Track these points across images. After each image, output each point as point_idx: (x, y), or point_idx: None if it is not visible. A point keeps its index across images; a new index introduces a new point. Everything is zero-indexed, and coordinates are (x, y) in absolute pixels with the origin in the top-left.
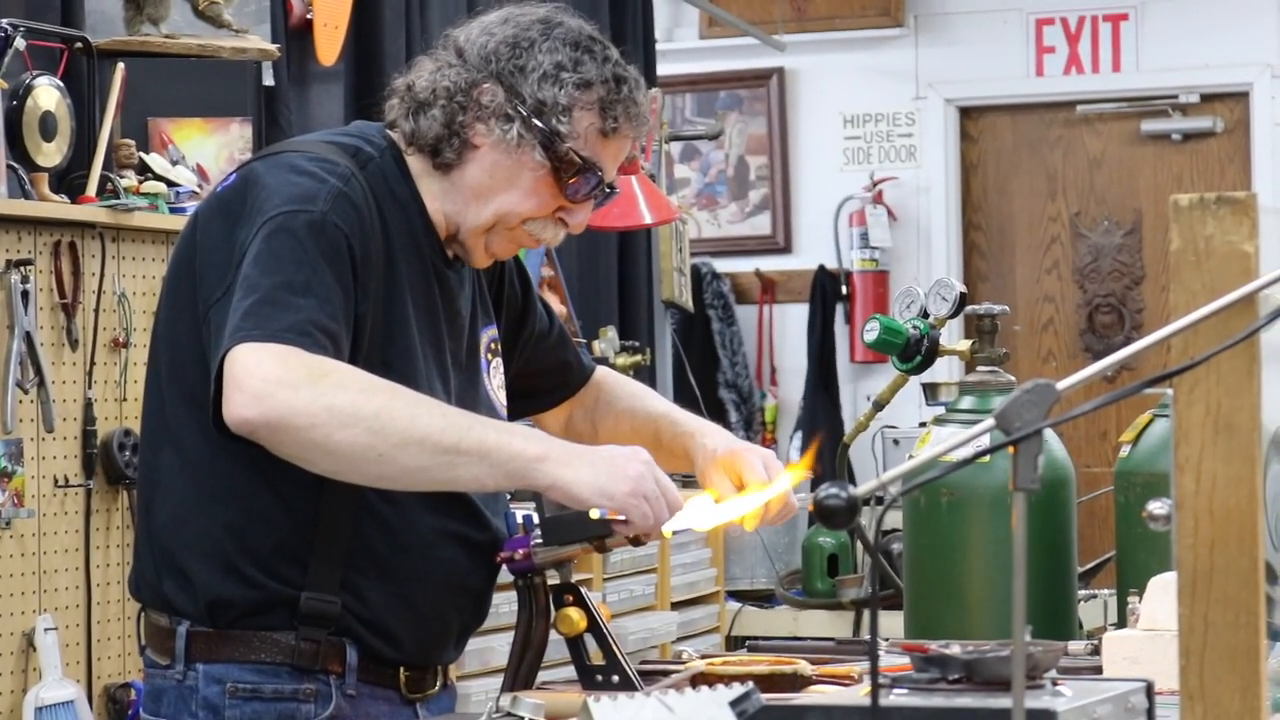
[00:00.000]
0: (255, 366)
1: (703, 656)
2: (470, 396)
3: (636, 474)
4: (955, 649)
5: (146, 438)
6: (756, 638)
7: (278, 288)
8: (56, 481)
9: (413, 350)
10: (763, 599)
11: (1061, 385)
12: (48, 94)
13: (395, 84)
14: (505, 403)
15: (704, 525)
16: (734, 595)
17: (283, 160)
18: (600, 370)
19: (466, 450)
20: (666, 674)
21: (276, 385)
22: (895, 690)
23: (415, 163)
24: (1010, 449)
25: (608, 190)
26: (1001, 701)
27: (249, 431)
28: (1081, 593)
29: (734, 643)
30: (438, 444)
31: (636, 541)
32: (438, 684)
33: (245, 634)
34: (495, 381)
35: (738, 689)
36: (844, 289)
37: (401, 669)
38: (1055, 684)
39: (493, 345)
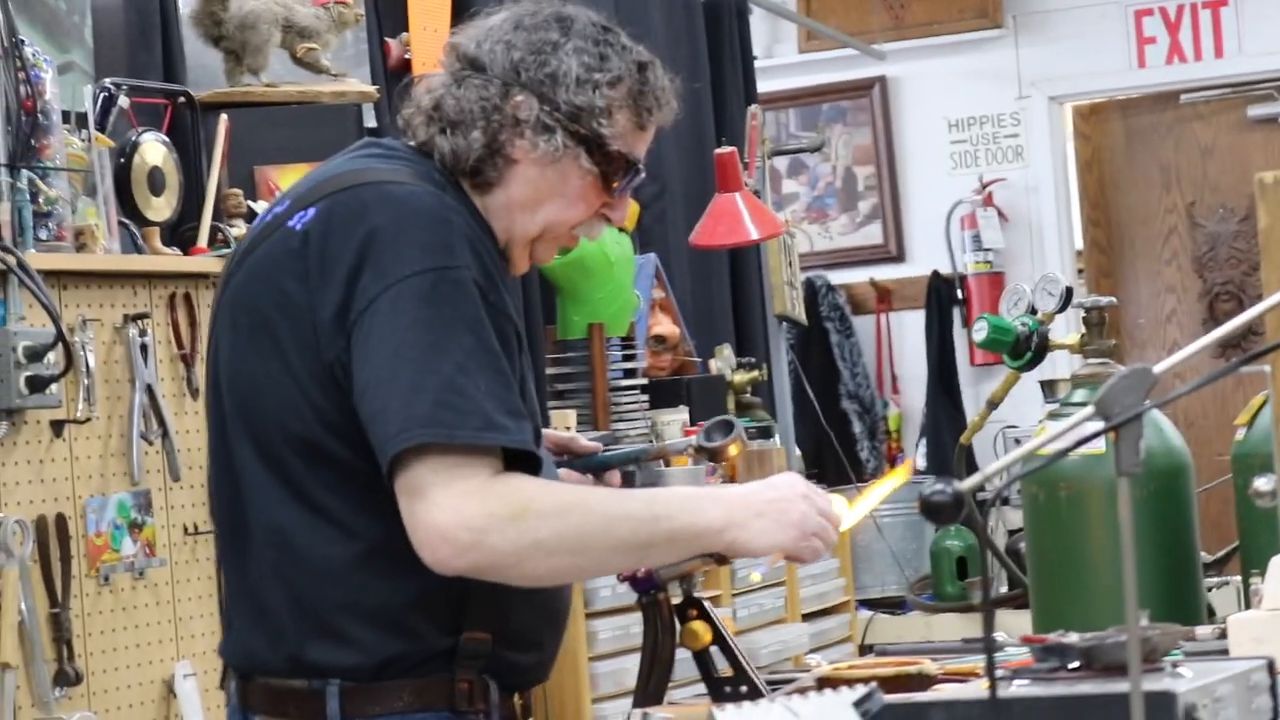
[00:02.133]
0: (458, 512)
1: (831, 664)
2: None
3: (800, 517)
4: (1073, 638)
5: (247, 495)
6: (889, 644)
7: (455, 372)
8: (186, 530)
9: (523, 379)
10: (894, 606)
11: (1159, 368)
12: (154, 149)
13: (419, 102)
14: None
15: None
16: (864, 604)
17: (401, 200)
18: None
19: (657, 544)
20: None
21: (482, 533)
22: (1016, 682)
23: (464, 181)
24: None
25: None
26: (1120, 686)
27: (453, 573)
28: (1213, 579)
29: (867, 651)
30: (631, 546)
31: None
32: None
33: (398, 683)
34: None
35: (861, 690)
36: (959, 293)
37: (515, 697)
38: (1176, 666)
39: None
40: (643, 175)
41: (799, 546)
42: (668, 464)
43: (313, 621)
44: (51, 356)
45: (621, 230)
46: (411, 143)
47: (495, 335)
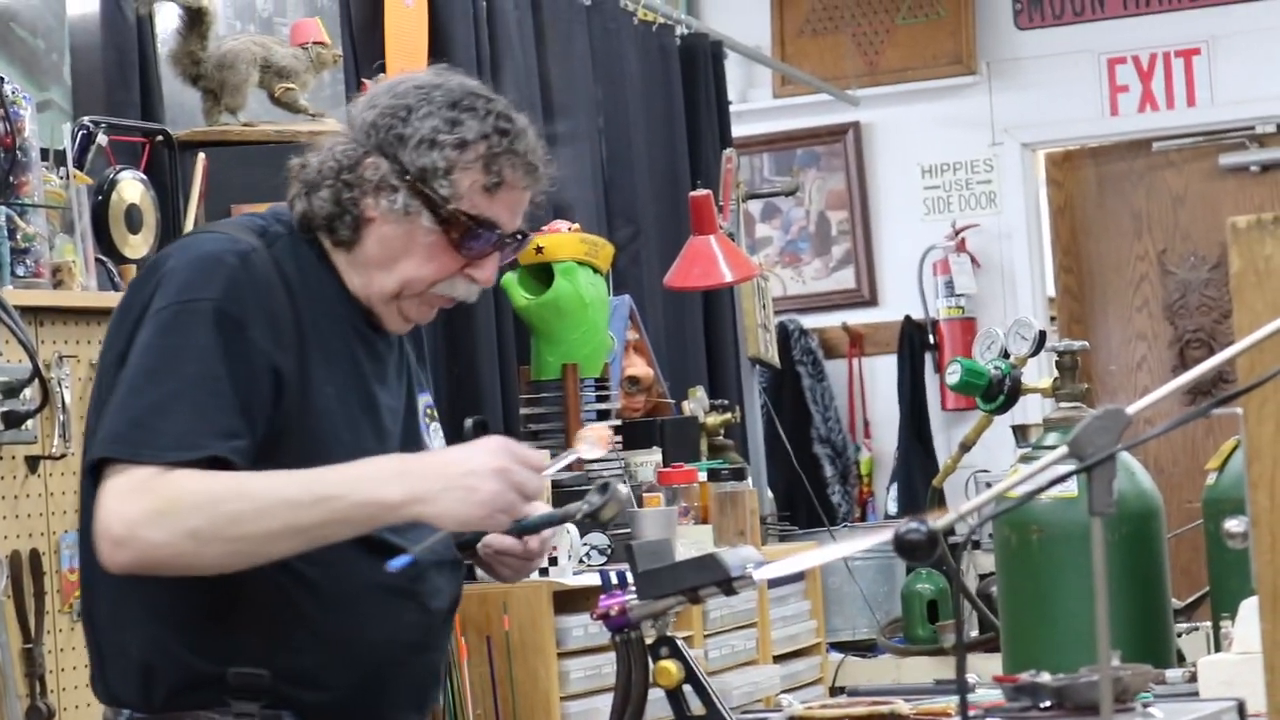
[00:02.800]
0: (113, 512)
1: (804, 704)
2: (412, 453)
3: (490, 495)
4: (1045, 678)
5: (80, 540)
6: (861, 686)
7: (167, 397)
8: None
9: (331, 413)
10: (865, 649)
11: (1132, 410)
12: (131, 187)
13: (291, 164)
14: None
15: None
16: (836, 646)
17: (189, 245)
18: None
19: (328, 522)
20: None
21: (135, 527)
22: None
23: (324, 238)
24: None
25: (513, 239)
26: None
27: (127, 572)
28: (1183, 625)
29: (838, 693)
30: (296, 529)
31: (729, 591)
32: None
33: (182, 715)
34: (436, 443)
35: None
36: (932, 338)
37: None
38: (1146, 707)
39: (429, 410)
40: (515, 235)
41: (485, 524)
42: (639, 502)
43: (108, 652)
44: (28, 392)
45: (595, 271)
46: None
47: (236, 363)
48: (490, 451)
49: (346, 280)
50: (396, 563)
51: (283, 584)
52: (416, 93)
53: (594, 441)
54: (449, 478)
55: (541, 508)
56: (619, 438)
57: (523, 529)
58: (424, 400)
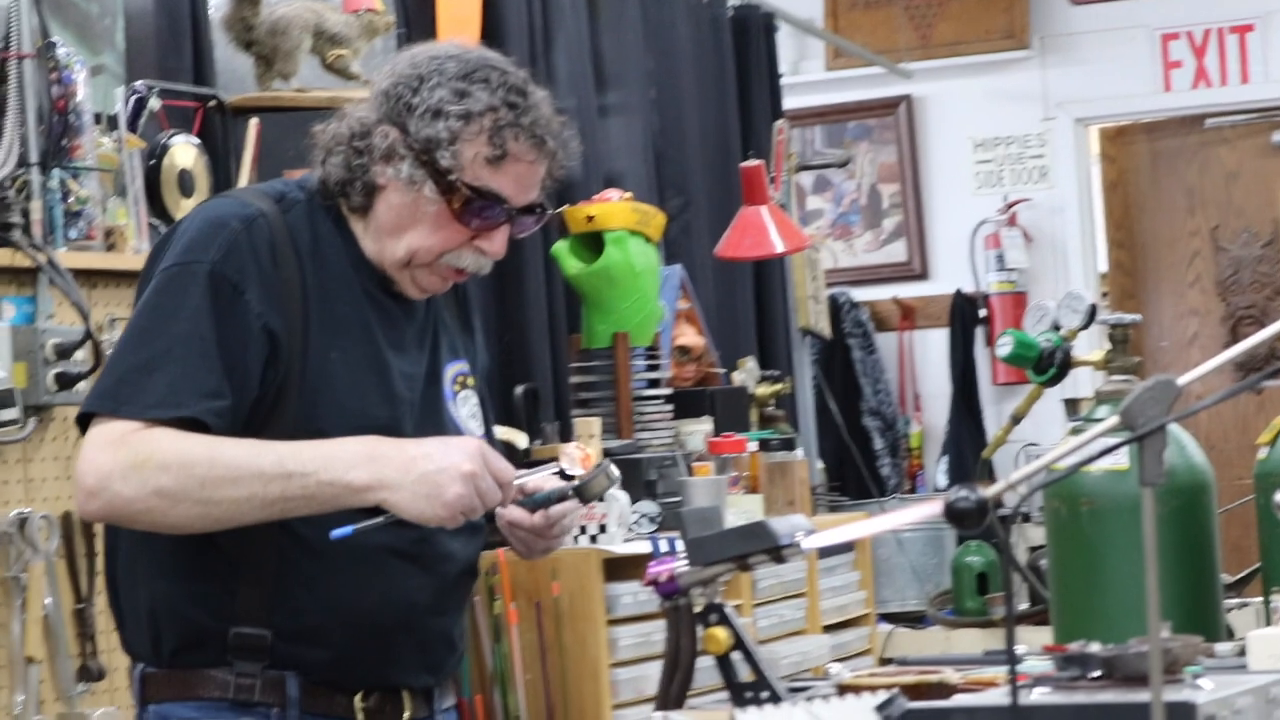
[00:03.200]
0: (90, 461)
1: (853, 673)
2: (431, 421)
3: (454, 499)
4: (1095, 647)
5: None
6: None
7: (155, 356)
8: None
9: (334, 376)
10: (914, 620)
11: (1182, 380)
12: (184, 152)
13: (314, 129)
14: (478, 433)
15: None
16: (885, 618)
17: (201, 209)
18: None
19: (293, 497)
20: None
21: (106, 480)
22: (1037, 689)
23: (342, 205)
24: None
25: (522, 213)
26: (1141, 696)
27: (92, 519)
28: (1233, 601)
29: (886, 664)
30: (264, 499)
31: (779, 559)
32: (406, 714)
33: (188, 673)
34: (464, 411)
35: (883, 695)
36: (982, 312)
37: (357, 698)
38: (1196, 678)
39: (459, 378)
40: (530, 209)
41: (443, 523)
42: (689, 471)
43: (125, 607)
44: (80, 354)
45: (647, 240)
46: None
47: (226, 325)
48: (465, 454)
49: (363, 246)
50: (337, 532)
51: (283, 545)
52: (431, 63)
53: (575, 459)
54: (418, 472)
55: (552, 483)
56: (670, 406)
57: (534, 503)
58: (455, 368)
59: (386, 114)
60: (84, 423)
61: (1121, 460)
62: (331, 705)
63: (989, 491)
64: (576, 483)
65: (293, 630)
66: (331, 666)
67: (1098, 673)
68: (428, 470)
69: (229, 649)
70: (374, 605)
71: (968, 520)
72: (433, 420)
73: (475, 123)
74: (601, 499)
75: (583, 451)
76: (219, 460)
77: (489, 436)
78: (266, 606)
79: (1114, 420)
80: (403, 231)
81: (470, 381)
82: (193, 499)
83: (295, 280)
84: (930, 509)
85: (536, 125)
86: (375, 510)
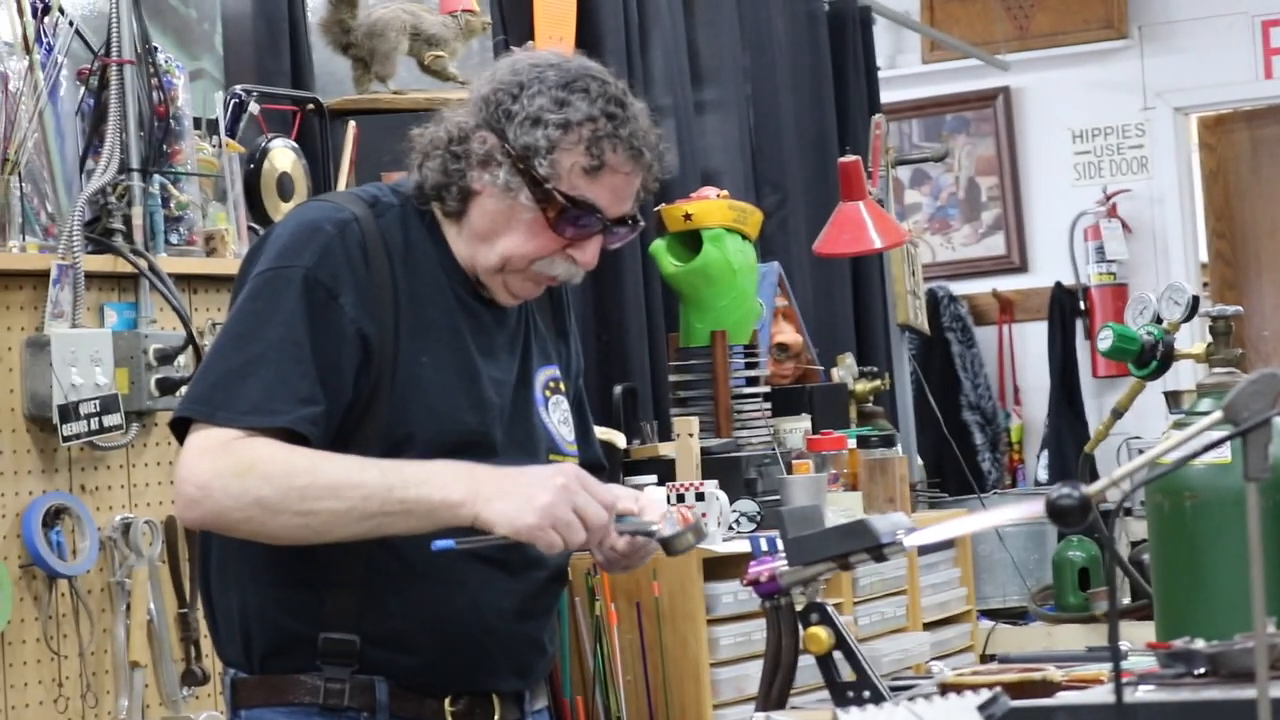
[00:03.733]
0: (192, 469)
1: (954, 671)
2: (521, 427)
3: (546, 504)
4: (1199, 644)
5: None
6: (1013, 653)
7: (250, 361)
8: None
9: (425, 381)
10: (1016, 616)
11: None
12: (283, 155)
13: (412, 132)
14: (570, 438)
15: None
16: (986, 614)
17: (295, 213)
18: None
19: (391, 512)
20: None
21: (207, 489)
22: (1142, 687)
23: (435, 210)
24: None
25: (616, 224)
26: (1247, 693)
27: (193, 526)
28: None
29: (988, 662)
30: (363, 513)
31: (880, 557)
32: (497, 717)
33: (279, 678)
34: (556, 417)
35: (985, 694)
36: (1082, 304)
37: (446, 702)
38: None
39: (551, 383)
40: (624, 220)
41: (534, 533)
42: (788, 469)
43: (218, 613)
44: (182, 359)
45: (744, 238)
46: None
47: (321, 330)
48: (561, 472)
49: (455, 251)
50: (439, 544)
51: (372, 551)
52: (532, 70)
53: (675, 520)
54: (513, 485)
55: (653, 512)
56: (768, 404)
57: (621, 528)
58: (546, 374)
59: (485, 120)
60: (178, 427)
61: (1224, 454)
62: (421, 709)
63: (1091, 489)
64: (665, 534)
65: (381, 636)
66: (420, 672)
67: (1202, 670)
68: (522, 484)
69: (319, 654)
70: (462, 611)
71: (1070, 518)
72: (523, 426)
73: (574, 132)
74: (683, 552)
75: (681, 515)
76: (321, 473)
77: (585, 440)
78: (355, 612)
79: (1218, 415)
80: (496, 237)
81: (562, 386)
82: (293, 510)
83: (387, 284)
84: (1033, 507)
85: (634, 137)
86: (473, 531)
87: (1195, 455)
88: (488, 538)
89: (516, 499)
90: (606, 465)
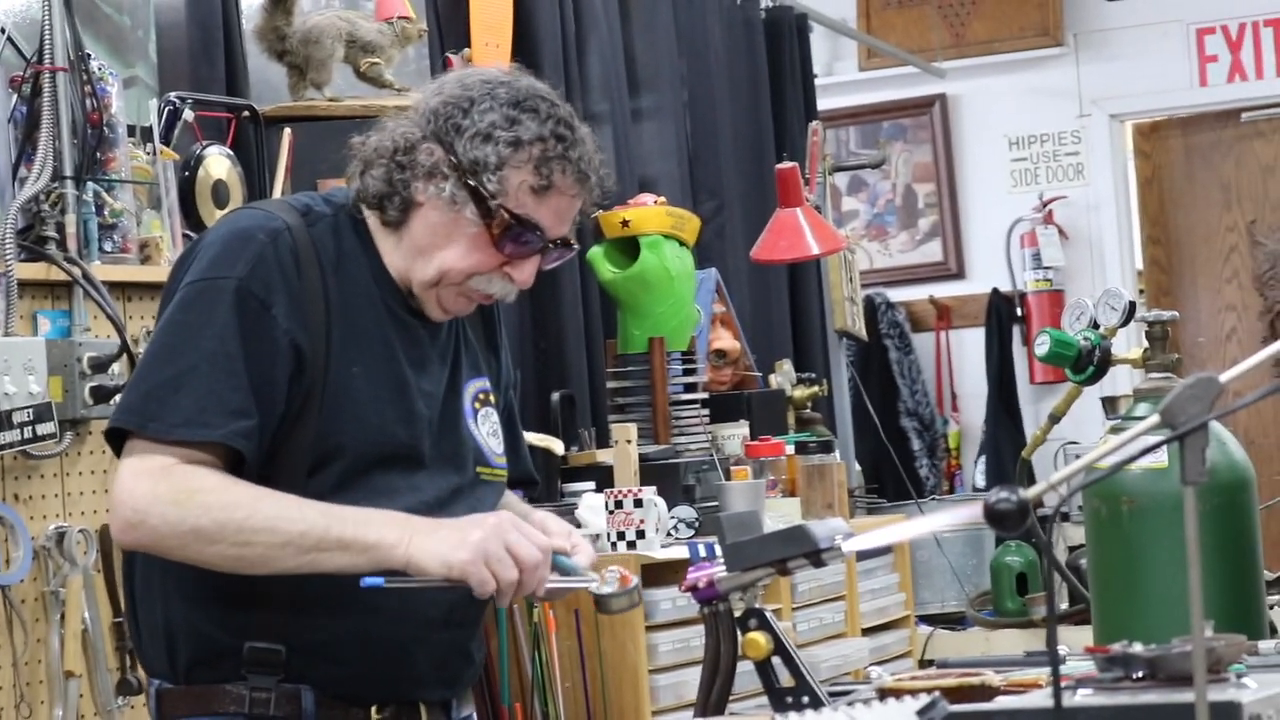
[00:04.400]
0: (129, 491)
1: (893, 676)
2: (449, 439)
3: (477, 540)
4: (1138, 648)
5: None
6: (951, 658)
7: (182, 373)
8: None
9: (356, 392)
10: (954, 621)
11: (1225, 377)
12: (218, 163)
13: (353, 140)
14: (499, 451)
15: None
16: (924, 619)
17: (227, 221)
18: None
19: (327, 548)
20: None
21: (144, 514)
22: (1080, 690)
23: (371, 220)
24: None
25: (555, 245)
26: (1185, 696)
27: (128, 548)
28: (1275, 598)
29: (927, 666)
30: (300, 547)
31: (818, 563)
32: None
33: (205, 688)
34: (485, 429)
35: (924, 699)
36: (1019, 311)
37: (373, 710)
38: (1240, 677)
39: (480, 395)
40: (558, 242)
41: (466, 569)
42: (727, 475)
43: (141, 622)
44: (116, 368)
45: (682, 244)
46: None
47: (253, 342)
48: (496, 515)
49: (388, 263)
50: (367, 581)
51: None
52: (483, 86)
53: (616, 581)
54: (447, 527)
55: (584, 552)
56: (706, 411)
57: (557, 582)
58: (475, 385)
59: (433, 132)
60: (112, 438)
61: (1161, 459)
62: (347, 718)
63: (1030, 493)
64: (603, 592)
65: (307, 645)
66: (346, 681)
67: (1141, 673)
68: (456, 525)
69: (244, 663)
70: (387, 621)
71: (1009, 522)
72: (451, 438)
73: (524, 150)
74: (617, 613)
75: (622, 574)
76: (260, 508)
77: (515, 455)
78: (281, 622)
79: (1155, 419)
80: (436, 250)
81: (493, 399)
82: (229, 541)
83: (319, 294)
84: (971, 511)
85: (582, 160)
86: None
87: (1133, 459)
88: (418, 578)
89: (449, 537)
90: (539, 480)
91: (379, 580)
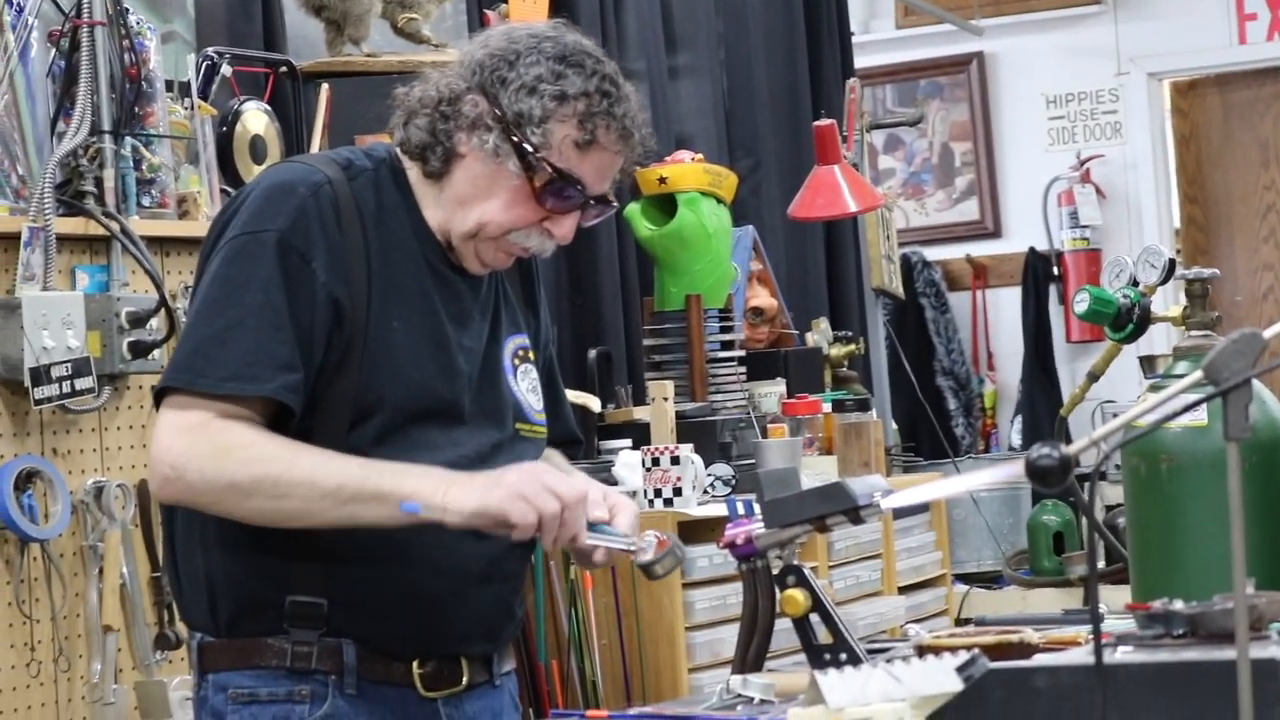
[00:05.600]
0: (167, 447)
1: (931, 633)
2: (490, 396)
3: (513, 480)
4: (1178, 605)
5: None
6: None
7: (229, 327)
8: None
9: (396, 347)
10: (990, 580)
11: (1268, 333)
12: (256, 118)
13: (397, 91)
14: (538, 407)
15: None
16: (960, 578)
17: (268, 175)
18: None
19: (364, 499)
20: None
21: (181, 469)
22: (1120, 648)
23: (413, 172)
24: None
25: (596, 202)
26: (1226, 653)
27: (165, 502)
28: None
29: (963, 625)
30: (336, 499)
31: (857, 520)
32: (465, 680)
33: (245, 641)
34: (524, 386)
35: (964, 655)
36: (1056, 270)
37: (415, 664)
38: None
39: (520, 352)
40: (597, 199)
41: (504, 504)
42: (764, 434)
43: (183, 576)
44: (154, 322)
45: (719, 202)
46: None
47: (296, 294)
48: (528, 464)
49: (429, 216)
50: (407, 505)
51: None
52: (529, 40)
53: (653, 548)
54: (481, 477)
55: (624, 515)
56: (743, 368)
57: (598, 533)
58: (515, 342)
59: (478, 84)
60: (160, 398)
61: (1201, 417)
62: (389, 672)
63: (1071, 449)
64: (645, 560)
65: (348, 599)
66: (388, 635)
67: (1181, 631)
68: (491, 473)
69: (286, 617)
70: (429, 575)
71: (1050, 478)
72: (491, 395)
73: (569, 105)
74: (664, 577)
75: (657, 538)
76: (296, 462)
77: (557, 414)
78: (323, 576)
79: (1197, 375)
80: (476, 202)
81: (531, 355)
82: (265, 495)
83: (359, 248)
84: (1012, 468)
85: (626, 118)
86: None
87: (1175, 415)
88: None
89: (480, 482)
90: (581, 438)
91: (415, 505)
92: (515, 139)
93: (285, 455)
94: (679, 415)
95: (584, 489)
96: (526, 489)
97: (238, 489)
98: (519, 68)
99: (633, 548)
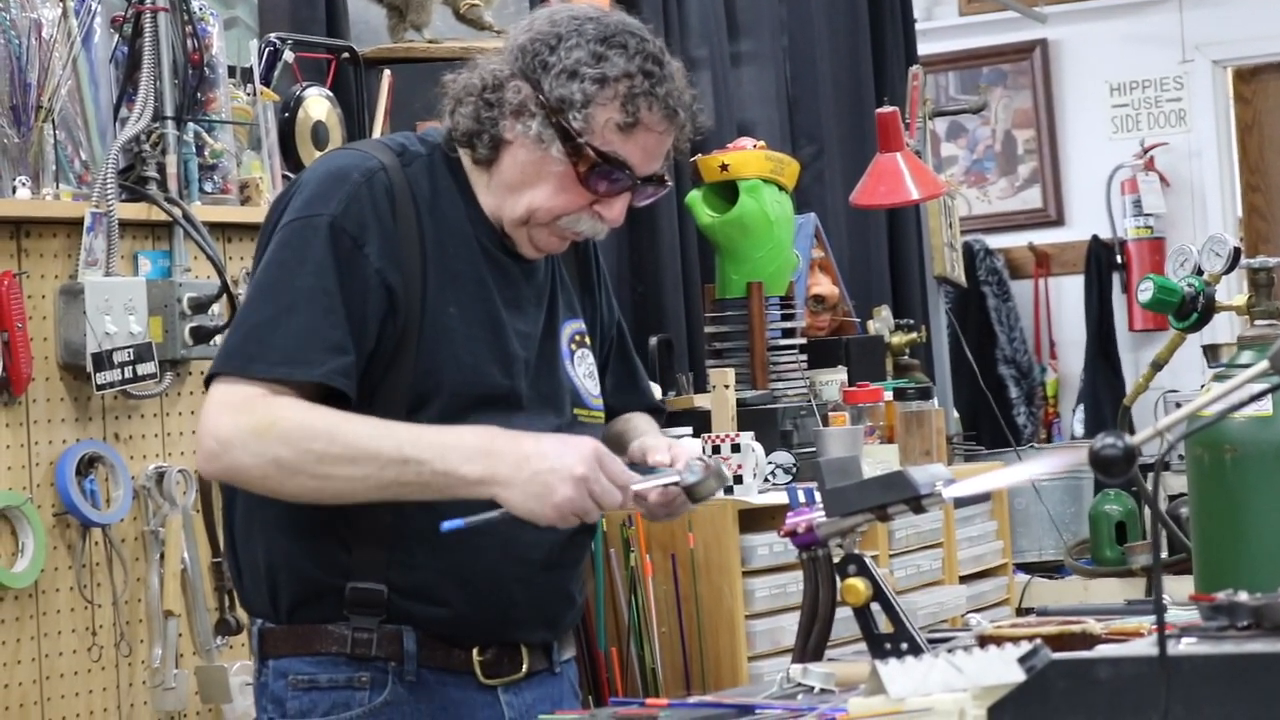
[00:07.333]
0: (214, 423)
1: (992, 623)
2: (546, 381)
3: (563, 500)
4: (1243, 597)
5: None
6: (1051, 606)
7: (281, 311)
8: None
9: (451, 332)
10: (1051, 570)
11: None
12: (318, 104)
13: (445, 78)
14: (595, 393)
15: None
16: (1022, 567)
17: (323, 160)
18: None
19: (408, 482)
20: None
21: (227, 445)
22: (1184, 639)
23: (465, 159)
24: None
25: (646, 182)
26: None
27: (211, 478)
28: None
29: (1025, 614)
30: (379, 481)
31: (918, 509)
32: (525, 667)
33: (306, 628)
34: (581, 371)
35: (1025, 646)
36: (1119, 258)
37: (475, 652)
38: None
39: (577, 337)
40: (650, 179)
41: (553, 523)
42: (824, 422)
43: (243, 563)
44: (216, 308)
45: (781, 189)
46: None
47: (349, 279)
48: (580, 456)
49: (482, 202)
50: (448, 524)
51: (400, 502)
52: (571, 23)
53: (699, 469)
54: (530, 470)
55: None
56: (804, 356)
57: (640, 483)
58: (572, 327)
59: (521, 69)
60: (210, 383)
61: (1265, 407)
62: (449, 659)
63: (1135, 439)
64: (687, 482)
65: (408, 586)
66: (448, 622)
67: (1246, 622)
68: (540, 469)
69: (346, 604)
70: (489, 562)
71: (1114, 469)
72: (548, 380)
73: (610, 88)
74: (709, 499)
75: (703, 463)
76: (339, 438)
77: (635, 388)
78: (383, 562)
79: (1263, 365)
80: (525, 189)
81: (588, 340)
82: (308, 473)
83: (413, 234)
84: (1076, 457)
85: (670, 96)
86: (489, 503)
87: (1240, 405)
88: (494, 514)
89: (534, 488)
90: (664, 407)
91: (459, 523)
92: (558, 124)
93: (327, 430)
94: (740, 403)
95: (626, 482)
96: (576, 509)
97: (282, 465)
98: (560, 51)
99: (678, 477)
